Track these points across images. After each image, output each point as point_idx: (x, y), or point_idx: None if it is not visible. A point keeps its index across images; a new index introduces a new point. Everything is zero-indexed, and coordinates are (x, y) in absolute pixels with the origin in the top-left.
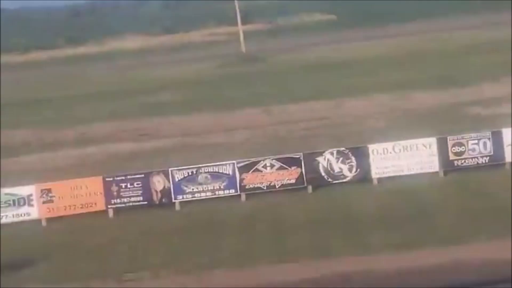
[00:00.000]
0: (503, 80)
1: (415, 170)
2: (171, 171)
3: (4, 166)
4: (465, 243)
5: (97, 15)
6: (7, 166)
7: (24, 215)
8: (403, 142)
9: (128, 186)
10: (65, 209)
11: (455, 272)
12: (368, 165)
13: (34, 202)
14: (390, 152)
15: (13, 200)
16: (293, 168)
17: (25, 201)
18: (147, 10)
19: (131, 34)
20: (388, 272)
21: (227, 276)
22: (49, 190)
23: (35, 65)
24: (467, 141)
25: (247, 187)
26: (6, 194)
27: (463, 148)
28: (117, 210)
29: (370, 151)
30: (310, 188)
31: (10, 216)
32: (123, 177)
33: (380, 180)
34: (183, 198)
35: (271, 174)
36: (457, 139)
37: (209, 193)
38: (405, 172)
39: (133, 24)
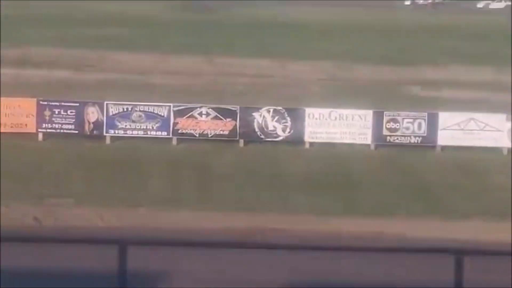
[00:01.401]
0: (445, 65)
1: (347, 139)
2: (107, 104)
3: None
4: (384, 217)
5: None
6: None
7: None
8: (340, 111)
9: (62, 113)
10: None
11: (371, 243)
12: (302, 128)
13: None
14: (326, 119)
15: None
16: (228, 119)
17: None
18: None
19: None
20: (305, 233)
21: (148, 215)
22: None
23: None
24: (403, 119)
25: (179, 131)
26: None
27: (397, 125)
28: (47, 135)
29: (306, 114)
30: (242, 142)
31: None
32: (58, 103)
33: (312, 144)
34: (114, 132)
35: (205, 122)
36: (393, 115)
37: (141, 132)
38: (338, 140)
39: None
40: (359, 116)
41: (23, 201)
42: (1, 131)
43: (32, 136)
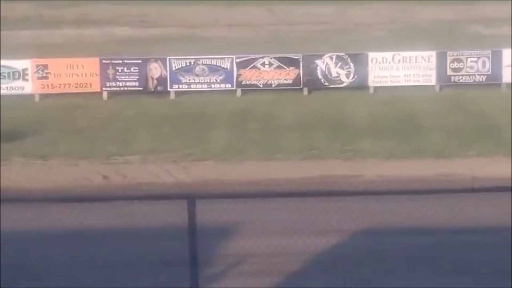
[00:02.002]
0: (505, 1)
1: (412, 82)
2: (169, 59)
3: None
4: (452, 158)
5: None
6: (3, 39)
7: (18, 89)
8: (403, 53)
9: (125, 70)
10: (59, 87)
11: (438, 185)
12: (366, 73)
13: (29, 77)
14: (389, 62)
15: (8, 73)
16: (291, 68)
17: (20, 75)
18: None
19: None
20: (373, 179)
21: (214, 168)
22: (45, 66)
23: None
24: (466, 58)
25: (243, 83)
26: (1, 66)
27: (461, 65)
28: (112, 93)
29: (369, 59)
30: (306, 90)
31: (4, 88)
32: (120, 61)
33: (376, 88)
34: (178, 87)
35: (268, 72)
36: (457, 55)
37: (205, 86)
38: (402, 83)
39: None
40: (423, 57)
41: (91, 160)
42: (65, 91)
43: (97, 95)
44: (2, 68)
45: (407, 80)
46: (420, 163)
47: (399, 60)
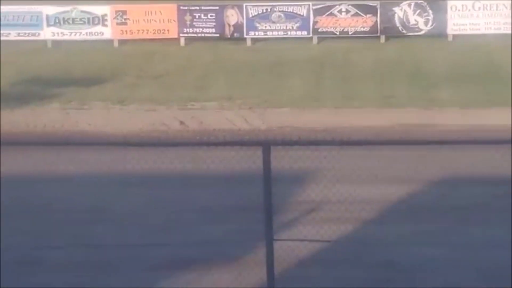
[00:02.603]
0: None
1: (492, 30)
2: (246, 6)
3: None
4: None
5: None
6: None
7: (97, 34)
8: (483, 1)
9: (202, 17)
10: (137, 33)
11: None
12: (445, 21)
13: (108, 23)
14: (469, 10)
15: (88, 19)
16: (368, 16)
17: (99, 20)
18: None
19: None
20: (451, 128)
21: (290, 115)
22: (123, 12)
23: None
24: None
25: (319, 30)
26: (81, 11)
27: None
28: (189, 40)
29: (448, 6)
30: (383, 38)
31: (83, 34)
32: (198, 7)
33: (455, 36)
34: (255, 34)
35: (345, 19)
36: None
37: (281, 33)
38: (482, 31)
39: None
40: (504, 5)
41: (169, 105)
42: (143, 37)
43: (174, 41)
44: (82, 14)
45: (487, 28)
46: (499, 112)
47: (479, 8)
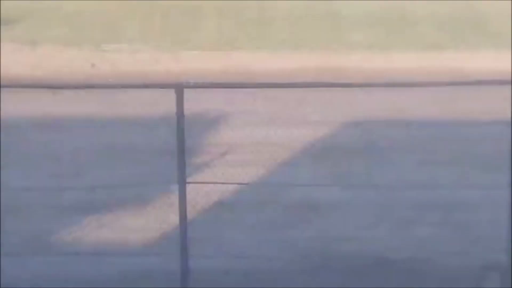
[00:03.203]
0: None
1: None
2: None
3: None
4: (443, 51)
5: None
6: None
7: None
8: None
9: None
10: None
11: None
12: None
13: None
14: None
15: None
16: None
17: None
18: None
19: None
20: (362, 70)
21: (204, 57)
22: None
23: None
24: None
25: None
26: None
27: None
28: None
29: None
30: None
31: None
32: None
33: None
34: None
35: None
36: None
37: None
38: None
39: None
40: None
41: (80, 47)
42: None
43: None
44: None
45: None
46: (408, 54)
47: None
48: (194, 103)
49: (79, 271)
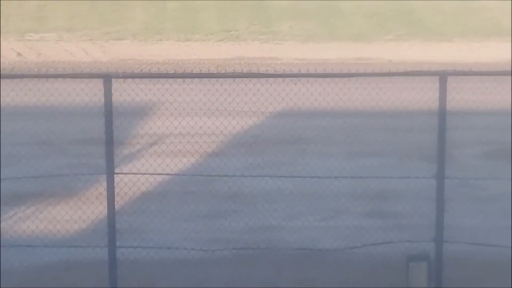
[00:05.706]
0: None
1: None
2: None
3: None
4: (370, 42)
5: None
6: None
7: None
8: None
9: None
10: None
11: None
12: None
13: None
14: None
15: None
16: None
17: None
18: None
19: None
20: (291, 62)
21: (132, 47)
22: None
23: None
24: None
25: None
26: None
27: None
28: None
29: None
30: None
31: None
32: None
33: None
34: None
35: None
36: None
37: None
38: None
39: None
40: None
41: (5, 36)
42: None
43: None
44: None
45: None
46: (341, 44)
47: None
48: (123, 93)
49: (4, 263)
